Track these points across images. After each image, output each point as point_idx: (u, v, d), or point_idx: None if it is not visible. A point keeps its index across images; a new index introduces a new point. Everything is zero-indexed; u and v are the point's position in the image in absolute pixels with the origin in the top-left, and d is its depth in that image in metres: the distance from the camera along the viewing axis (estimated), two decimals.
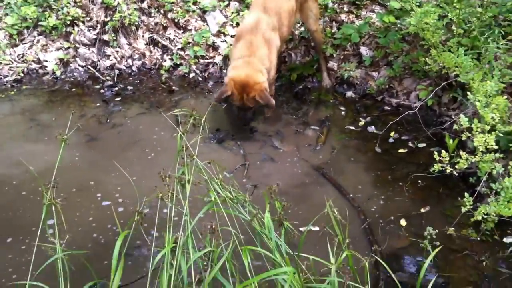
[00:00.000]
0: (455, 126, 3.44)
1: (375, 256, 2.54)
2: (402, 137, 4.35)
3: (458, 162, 3.24)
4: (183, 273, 2.18)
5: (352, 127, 4.61)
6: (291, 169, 4.04)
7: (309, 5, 4.97)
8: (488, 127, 3.22)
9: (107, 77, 5.75)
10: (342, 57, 5.50)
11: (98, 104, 5.17)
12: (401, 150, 4.18)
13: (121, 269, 2.24)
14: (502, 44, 3.80)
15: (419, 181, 3.75)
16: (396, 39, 5.05)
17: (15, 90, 5.51)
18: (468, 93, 3.49)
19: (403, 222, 3.36)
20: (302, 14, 4.99)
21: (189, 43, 5.93)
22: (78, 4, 6.00)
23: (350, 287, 2.10)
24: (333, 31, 5.63)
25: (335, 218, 2.32)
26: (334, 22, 5.72)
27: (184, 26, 6.07)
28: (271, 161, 4.13)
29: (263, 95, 4.21)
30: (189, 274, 2.19)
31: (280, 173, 3.98)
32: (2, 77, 5.70)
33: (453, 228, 3.21)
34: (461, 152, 3.29)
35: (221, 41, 5.90)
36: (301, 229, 2.81)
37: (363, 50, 5.38)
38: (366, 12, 5.74)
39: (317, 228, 2.98)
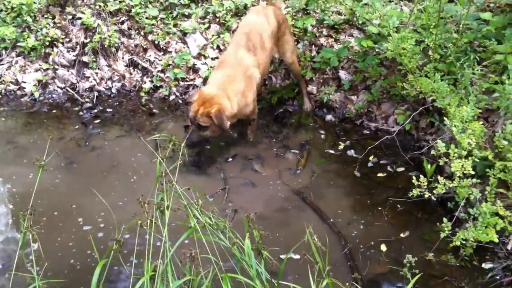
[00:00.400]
0: (432, 151, 3.47)
1: (355, 284, 2.54)
2: (381, 161, 4.39)
3: (436, 187, 3.27)
4: None
5: (332, 151, 4.63)
6: (272, 193, 4.03)
7: (286, 39, 5.07)
8: (464, 153, 3.26)
9: (86, 99, 5.70)
10: (321, 80, 5.55)
11: (77, 127, 5.12)
12: (380, 174, 4.22)
13: None
14: (478, 69, 3.86)
15: (398, 206, 3.78)
16: (374, 63, 5.11)
17: None
18: (445, 118, 3.52)
19: (383, 247, 3.37)
20: (279, 48, 5.09)
21: (169, 65, 5.92)
22: (58, 25, 5.97)
23: None
24: (312, 54, 5.68)
25: (315, 245, 2.32)
26: (313, 46, 5.79)
27: (164, 48, 6.07)
28: (252, 185, 4.13)
29: (218, 114, 4.15)
30: None
31: (260, 198, 3.98)
32: None
33: (432, 254, 3.23)
34: (439, 177, 3.31)
35: (202, 64, 5.91)
36: (281, 256, 2.80)
37: (342, 74, 5.44)
38: (345, 36, 5.82)
39: (298, 256, 2.96)
